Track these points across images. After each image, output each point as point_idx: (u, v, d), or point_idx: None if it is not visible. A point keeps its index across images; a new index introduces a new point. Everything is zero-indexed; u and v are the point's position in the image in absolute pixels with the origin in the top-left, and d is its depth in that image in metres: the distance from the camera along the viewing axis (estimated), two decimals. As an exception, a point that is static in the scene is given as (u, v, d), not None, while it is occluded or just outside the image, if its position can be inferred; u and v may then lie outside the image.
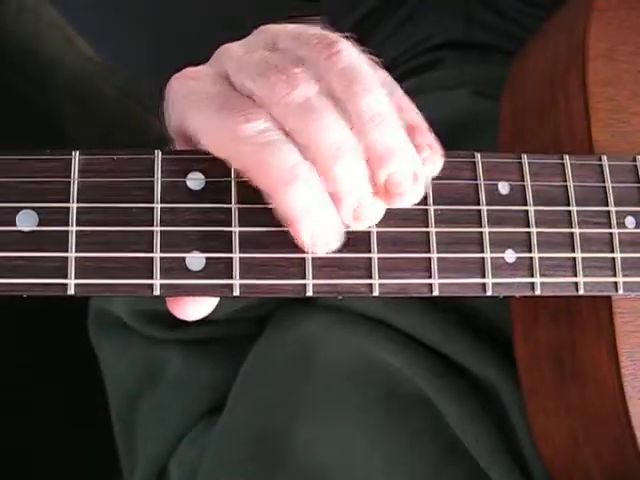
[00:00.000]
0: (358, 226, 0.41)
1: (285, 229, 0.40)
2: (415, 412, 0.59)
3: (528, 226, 0.44)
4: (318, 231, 0.39)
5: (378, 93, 0.41)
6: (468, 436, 0.57)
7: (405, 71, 0.70)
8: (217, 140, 0.40)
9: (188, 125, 0.41)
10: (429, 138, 0.42)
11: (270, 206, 0.40)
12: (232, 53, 0.43)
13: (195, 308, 0.42)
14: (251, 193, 0.40)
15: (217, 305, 0.42)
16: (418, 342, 0.60)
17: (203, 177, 0.40)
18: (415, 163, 0.40)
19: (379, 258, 0.41)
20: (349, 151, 0.39)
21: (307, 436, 0.60)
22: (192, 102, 0.41)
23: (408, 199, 0.40)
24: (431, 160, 0.41)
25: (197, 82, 0.42)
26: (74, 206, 0.39)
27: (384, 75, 0.43)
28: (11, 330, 0.86)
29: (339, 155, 0.39)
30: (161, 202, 0.40)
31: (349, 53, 0.41)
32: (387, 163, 0.40)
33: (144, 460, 0.70)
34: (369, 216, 0.40)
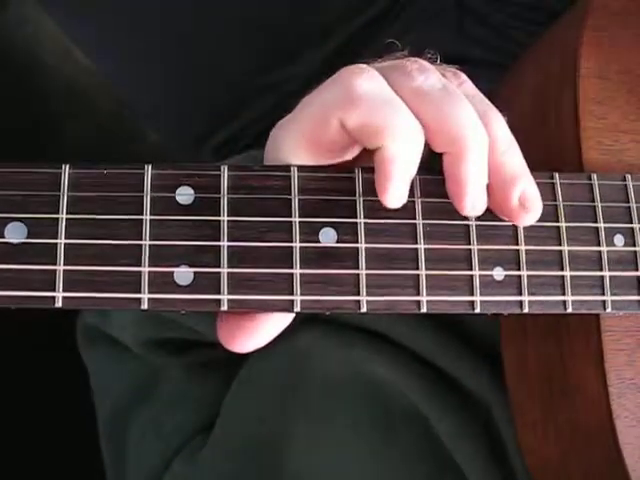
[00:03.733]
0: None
1: (274, 244, 0.40)
2: (408, 427, 0.59)
3: (517, 243, 0.44)
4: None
5: (503, 120, 0.43)
6: (460, 451, 0.57)
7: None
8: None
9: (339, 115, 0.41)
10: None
11: (261, 219, 0.40)
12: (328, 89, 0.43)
13: (252, 341, 0.42)
14: (241, 207, 0.40)
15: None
16: (411, 354, 0.60)
17: (193, 192, 0.40)
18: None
19: (367, 274, 0.41)
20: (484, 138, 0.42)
21: (299, 449, 0.60)
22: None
23: (537, 214, 0.43)
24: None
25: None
26: (63, 218, 0.39)
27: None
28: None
29: (478, 138, 0.41)
30: (150, 216, 0.40)
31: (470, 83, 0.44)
32: (519, 181, 0.43)
33: (137, 475, 0.70)
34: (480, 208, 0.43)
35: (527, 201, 0.43)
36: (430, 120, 0.41)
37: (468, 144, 0.41)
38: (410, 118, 0.41)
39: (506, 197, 0.43)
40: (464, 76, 0.44)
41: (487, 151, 0.42)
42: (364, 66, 0.41)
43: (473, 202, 0.42)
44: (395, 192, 0.40)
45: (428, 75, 0.42)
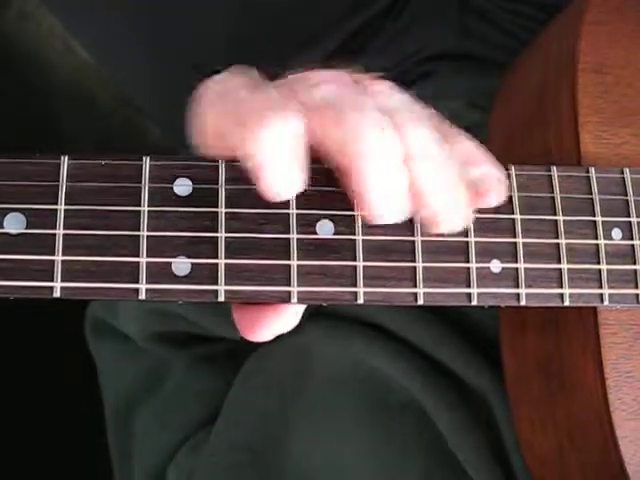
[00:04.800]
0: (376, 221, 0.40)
1: (271, 236, 0.40)
2: (407, 420, 0.59)
3: (514, 236, 0.44)
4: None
5: (428, 128, 0.40)
6: (459, 446, 0.57)
7: (399, 83, 0.70)
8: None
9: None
10: (485, 168, 0.42)
11: (258, 211, 0.40)
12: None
13: (271, 330, 0.41)
14: (238, 199, 0.41)
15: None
16: (412, 348, 0.60)
17: (191, 183, 0.41)
18: (463, 205, 0.41)
19: (364, 266, 0.42)
20: (393, 153, 0.38)
21: (300, 443, 0.60)
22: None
23: (450, 229, 0.41)
24: (493, 190, 0.42)
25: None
26: (62, 209, 0.39)
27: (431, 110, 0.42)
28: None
29: (382, 155, 0.38)
30: (148, 207, 0.40)
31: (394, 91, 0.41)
32: (431, 196, 0.39)
33: (143, 466, 0.70)
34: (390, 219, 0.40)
35: (436, 215, 0.40)
36: (321, 139, 0.38)
37: (363, 161, 0.38)
38: (276, 117, 0.37)
39: (422, 208, 0.40)
40: (386, 84, 0.41)
41: (391, 163, 0.38)
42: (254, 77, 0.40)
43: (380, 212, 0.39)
44: (273, 188, 0.38)
45: (322, 88, 0.39)
